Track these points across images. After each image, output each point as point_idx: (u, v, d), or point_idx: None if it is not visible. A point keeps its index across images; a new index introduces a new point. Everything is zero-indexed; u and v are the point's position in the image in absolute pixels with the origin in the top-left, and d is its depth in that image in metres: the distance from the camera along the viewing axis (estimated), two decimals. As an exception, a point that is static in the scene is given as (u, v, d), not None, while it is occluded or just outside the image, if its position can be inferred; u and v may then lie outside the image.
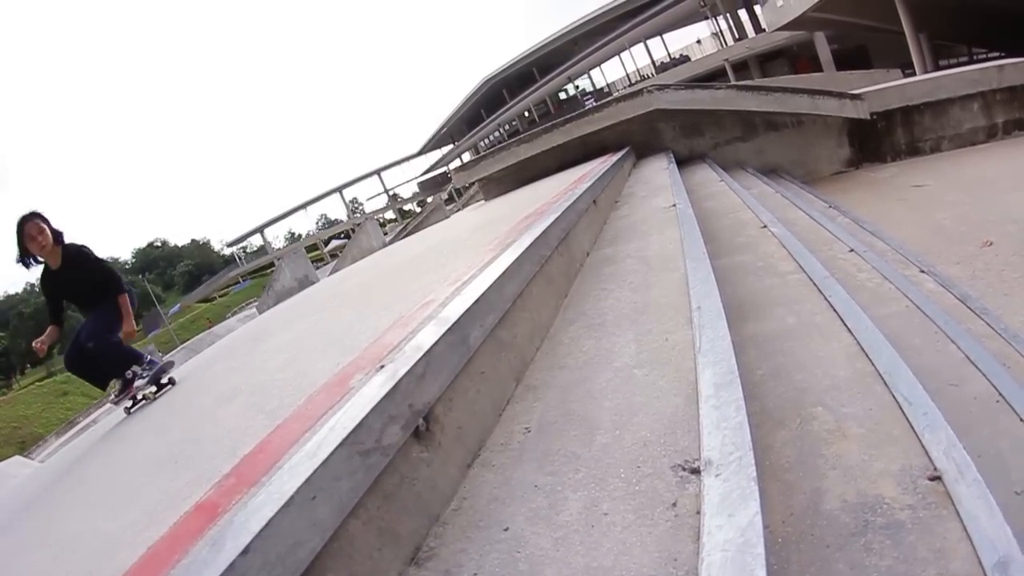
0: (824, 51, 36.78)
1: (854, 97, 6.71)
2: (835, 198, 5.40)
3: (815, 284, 2.07)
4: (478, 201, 10.07)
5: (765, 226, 2.86)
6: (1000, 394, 1.76)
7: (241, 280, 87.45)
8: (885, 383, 1.50)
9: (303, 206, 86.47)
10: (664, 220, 2.66)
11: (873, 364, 1.57)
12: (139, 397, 4.51)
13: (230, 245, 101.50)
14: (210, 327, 41.46)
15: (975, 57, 31.13)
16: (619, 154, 5.11)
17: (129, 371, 4.47)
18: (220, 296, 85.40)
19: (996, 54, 28.19)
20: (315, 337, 2.55)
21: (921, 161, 6.91)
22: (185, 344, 27.15)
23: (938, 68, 24.18)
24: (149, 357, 4.64)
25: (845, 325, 1.78)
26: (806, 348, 1.74)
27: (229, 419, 1.86)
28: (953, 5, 24.66)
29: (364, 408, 1.18)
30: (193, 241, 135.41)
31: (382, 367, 1.38)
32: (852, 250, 3.02)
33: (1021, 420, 1.64)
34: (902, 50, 25.77)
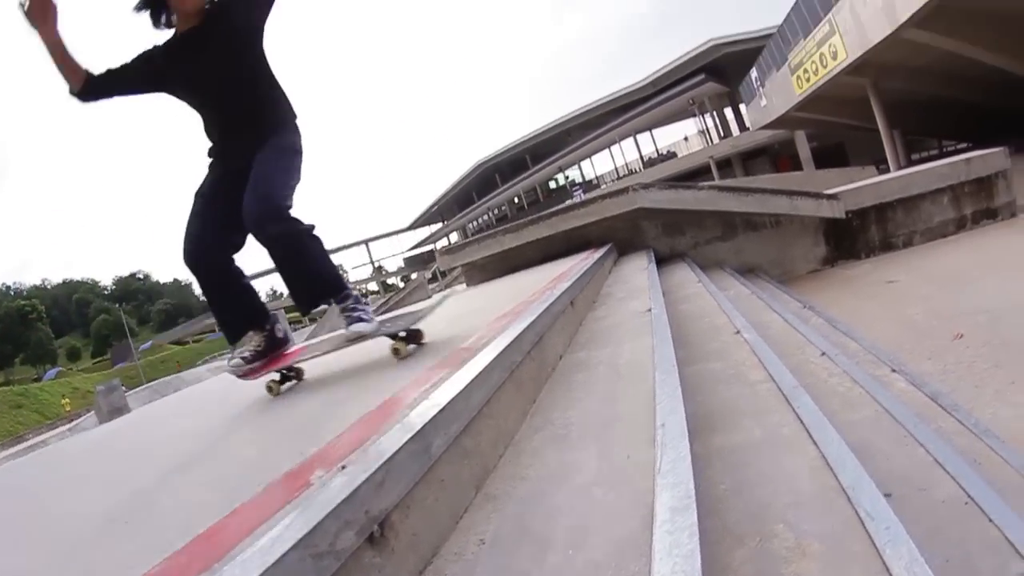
0: (804, 149, 38.19)
1: (830, 197, 6.91)
2: (810, 297, 5.49)
3: (783, 394, 2.09)
4: (460, 283, 10.09)
5: (738, 331, 2.89)
6: (968, 495, 1.76)
7: (217, 329, 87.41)
8: (848, 498, 1.49)
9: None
10: (639, 325, 2.68)
11: (837, 478, 1.57)
12: (288, 374, 3.01)
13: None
14: (179, 371, 40.87)
15: (945, 149, 32.34)
16: (602, 251, 5.18)
17: (276, 328, 2.93)
18: (194, 341, 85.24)
19: (964, 145, 29.41)
20: (281, 416, 2.50)
21: (894, 256, 7.10)
22: (151, 383, 26.67)
23: (911, 162, 25.17)
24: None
25: (811, 437, 1.79)
26: (771, 462, 1.74)
27: (186, 489, 1.81)
28: (924, 104, 25.84)
29: (321, 510, 1.17)
30: (175, 281, 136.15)
31: (343, 467, 1.38)
32: (824, 354, 3.04)
33: (989, 520, 1.63)
34: (877, 146, 26.91)
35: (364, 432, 1.64)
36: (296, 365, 3.05)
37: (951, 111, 27.16)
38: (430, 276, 27.28)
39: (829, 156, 38.00)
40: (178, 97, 2.69)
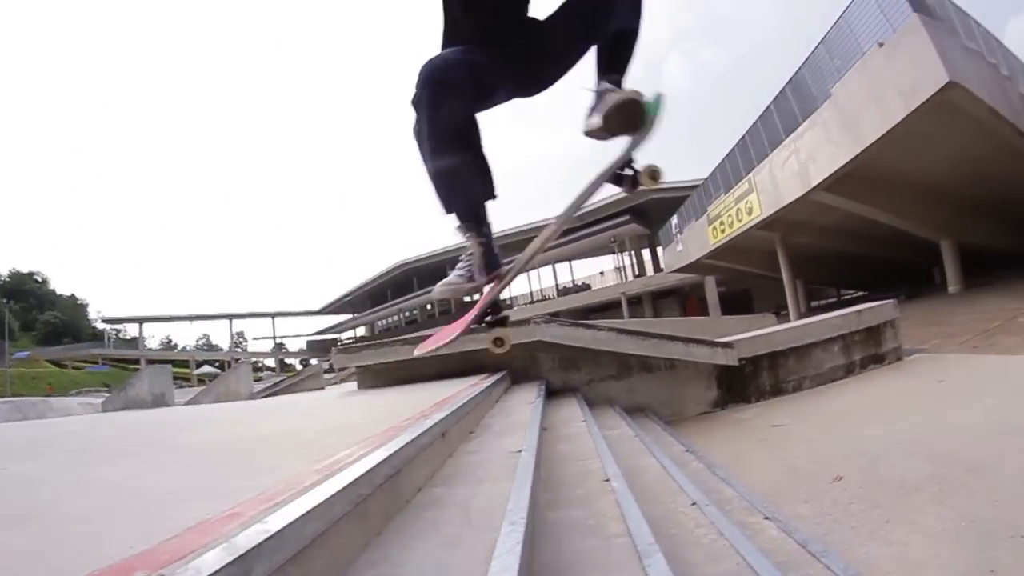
0: (712, 294, 40.18)
1: (725, 345, 7.13)
2: (695, 440, 5.54)
3: (637, 550, 2.04)
4: (352, 382, 9.78)
5: (608, 479, 2.86)
6: None
7: (101, 362, 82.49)
8: None
9: (188, 318, 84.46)
10: (505, 467, 2.59)
11: None
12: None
13: (106, 322, 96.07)
14: (50, 394, 37.47)
15: (842, 297, 34.74)
16: (493, 379, 5.12)
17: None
18: (74, 367, 78.73)
19: (861, 293, 31.81)
20: (128, 493, 2.28)
21: (783, 400, 7.30)
22: (15, 399, 24.88)
23: (810, 309, 27.08)
24: None
25: (654, 598, 1.74)
26: (608, 621, 1.68)
27: (11, 552, 1.61)
28: (826, 257, 27.88)
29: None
30: (72, 297, 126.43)
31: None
32: (694, 503, 3.04)
33: None
34: (781, 293, 28.72)
35: (195, 539, 1.52)
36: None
37: (851, 264, 29.37)
38: (327, 366, 26.39)
39: (736, 301, 39.94)
40: None
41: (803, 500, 3.83)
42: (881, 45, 15.71)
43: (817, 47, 19.09)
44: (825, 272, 31.91)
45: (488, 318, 2.67)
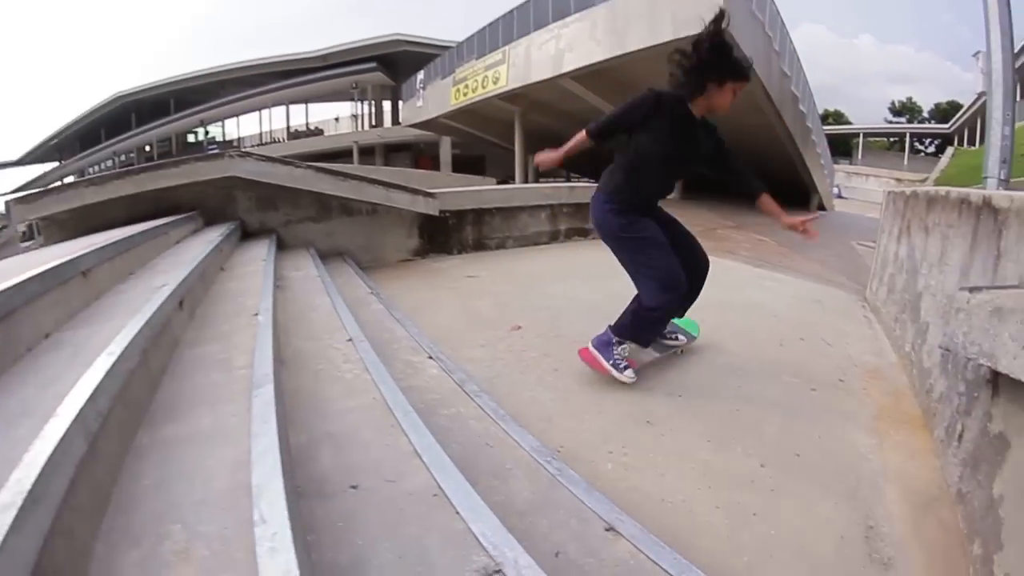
0: (446, 154, 40.78)
1: (427, 195, 7.20)
2: (389, 284, 5.69)
3: (253, 382, 2.04)
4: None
5: (257, 314, 2.83)
6: (439, 487, 1.80)
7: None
8: (252, 498, 1.44)
9: None
10: (142, 303, 2.45)
11: (251, 476, 1.52)
12: None
13: None
14: None
15: (571, 179, 36.92)
16: (173, 219, 4.78)
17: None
18: None
19: (589, 181, 34.24)
20: None
21: (484, 255, 7.73)
22: None
23: (538, 182, 28.37)
24: None
25: (249, 429, 1.74)
26: (201, 455, 1.66)
27: None
28: (560, 140, 29.01)
29: None
30: None
31: None
32: (350, 339, 3.10)
33: (456, 512, 1.69)
34: (513, 164, 29.70)
35: None
36: None
37: (584, 152, 30.95)
38: (24, 230, 22.78)
39: (469, 164, 40.67)
40: (652, 141, 3.33)
41: (479, 345, 4.07)
42: (678, -28, 16.37)
43: (618, -45, 19.26)
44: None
45: None
